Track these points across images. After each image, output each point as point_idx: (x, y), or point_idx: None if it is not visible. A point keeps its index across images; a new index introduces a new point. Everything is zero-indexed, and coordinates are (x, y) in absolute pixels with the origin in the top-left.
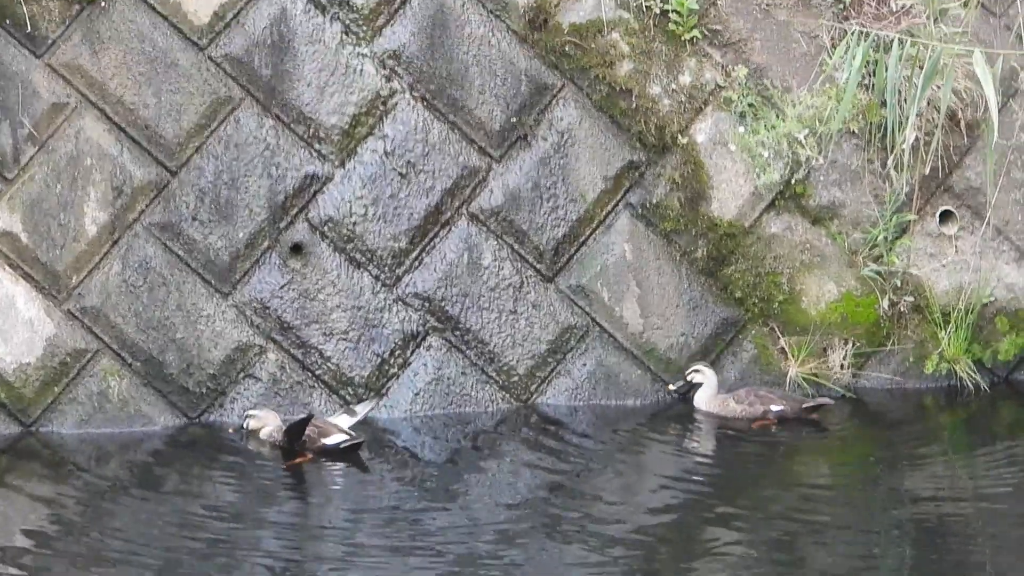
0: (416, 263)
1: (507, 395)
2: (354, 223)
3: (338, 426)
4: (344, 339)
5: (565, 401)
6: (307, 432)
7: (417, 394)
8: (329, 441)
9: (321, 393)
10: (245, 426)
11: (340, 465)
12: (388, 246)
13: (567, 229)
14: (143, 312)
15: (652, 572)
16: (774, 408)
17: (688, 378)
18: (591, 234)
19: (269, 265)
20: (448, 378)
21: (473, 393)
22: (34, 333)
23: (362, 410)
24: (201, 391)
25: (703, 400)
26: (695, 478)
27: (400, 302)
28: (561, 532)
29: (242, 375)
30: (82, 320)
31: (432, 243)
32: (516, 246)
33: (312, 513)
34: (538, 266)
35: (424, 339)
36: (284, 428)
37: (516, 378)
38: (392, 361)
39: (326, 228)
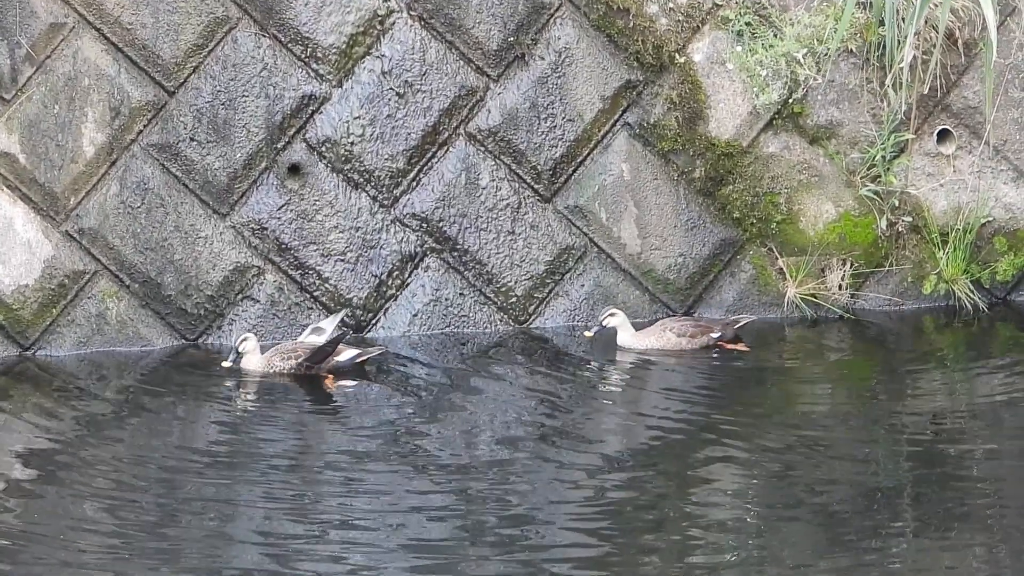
0: (414, 183)
1: (505, 316)
2: (352, 143)
3: (346, 343)
4: (342, 260)
5: (563, 322)
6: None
7: (415, 315)
8: (341, 359)
9: (319, 315)
10: (240, 350)
11: (336, 385)
12: (386, 166)
13: (565, 149)
14: (141, 233)
15: (647, 489)
16: (714, 335)
17: (603, 322)
18: (589, 154)
19: (267, 186)
20: (446, 299)
21: (471, 314)
22: (32, 255)
23: (329, 325)
24: (199, 313)
25: (630, 339)
26: (694, 397)
27: (398, 223)
28: (556, 448)
29: (240, 297)
30: (80, 242)
31: (430, 163)
32: (514, 166)
33: (310, 430)
34: (536, 186)
35: (422, 260)
36: (310, 353)
37: (514, 299)
38: (390, 282)
39: (324, 148)
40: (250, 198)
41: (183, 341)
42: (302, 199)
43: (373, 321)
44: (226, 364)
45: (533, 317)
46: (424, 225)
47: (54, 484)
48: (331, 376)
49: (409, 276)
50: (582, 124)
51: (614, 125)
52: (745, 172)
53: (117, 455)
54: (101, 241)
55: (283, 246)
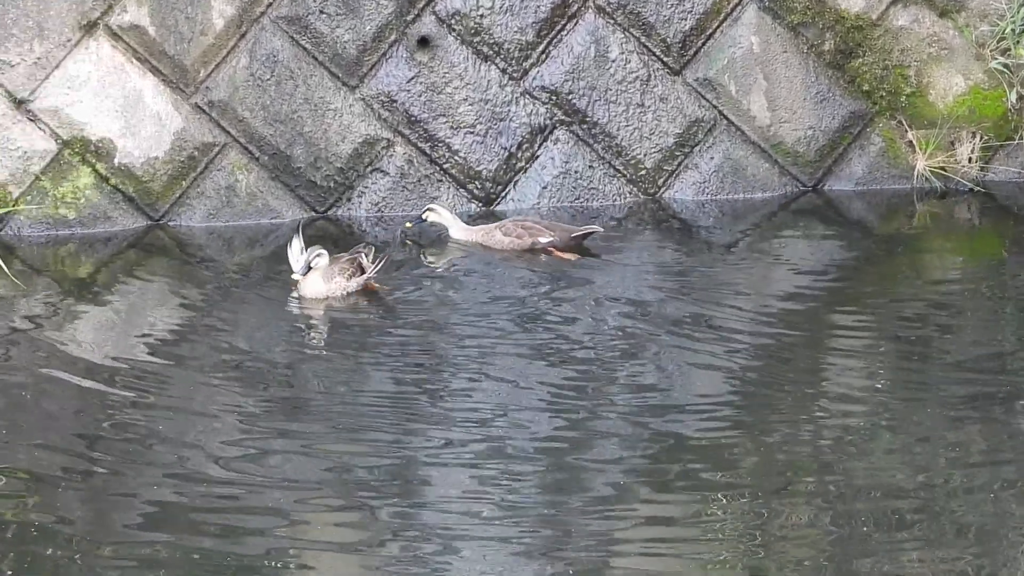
0: (543, 56)
1: (634, 189)
2: (481, 15)
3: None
4: (471, 133)
5: (692, 195)
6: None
7: (544, 187)
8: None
9: (449, 187)
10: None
11: (450, 264)
12: (515, 39)
13: (694, 22)
14: (270, 106)
15: (780, 358)
16: (542, 240)
17: (424, 216)
18: (718, 27)
19: (396, 58)
20: (575, 171)
21: (600, 187)
22: (162, 127)
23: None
24: (329, 185)
25: (460, 232)
26: (825, 270)
27: (527, 95)
28: (689, 324)
29: (370, 169)
30: (210, 114)
31: (559, 36)
32: (643, 39)
33: (447, 298)
34: (665, 59)
35: (551, 132)
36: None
37: (644, 172)
38: (519, 155)
39: (453, 21)
40: (379, 70)
41: (313, 213)
42: (431, 71)
43: (503, 193)
44: (296, 277)
45: (662, 189)
46: (553, 98)
47: (184, 349)
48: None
49: (539, 149)
50: None
51: None
52: (875, 45)
53: (245, 325)
54: (231, 113)
55: (412, 118)
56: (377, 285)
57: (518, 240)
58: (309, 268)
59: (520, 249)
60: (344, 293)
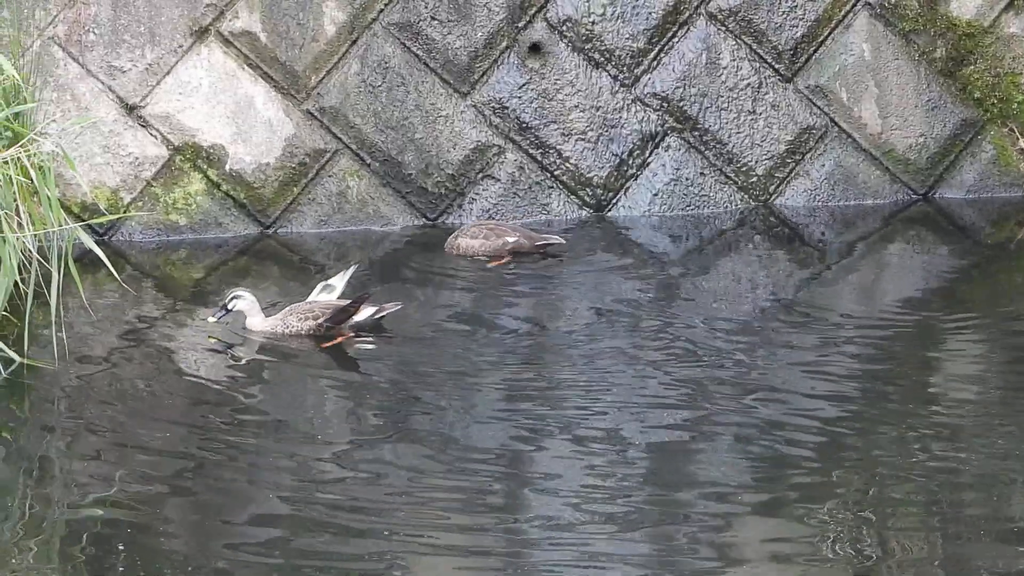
0: (654, 63)
1: (745, 196)
2: (592, 22)
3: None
4: (583, 139)
5: (803, 202)
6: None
7: (656, 195)
8: (359, 318)
9: (560, 194)
10: (231, 307)
11: (575, 259)
12: (626, 46)
13: (805, 29)
14: (382, 112)
15: (890, 365)
16: (509, 240)
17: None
18: (830, 34)
19: (507, 65)
20: (686, 179)
21: (711, 194)
22: (273, 133)
23: (339, 282)
24: (440, 192)
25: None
26: (935, 278)
27: (639, 102)
28: (804, 324)
29: (481, 175)
30: (321, 120)
31: (670, 43)
32: (754, 46)
33: (547, 306)
34: (776, 66)
35: (663, 139)
36: (327, 315)
37: (755, 179)
38: (631, 161)
39: (564, 27)
40: (491, 77)
41: (423, 220)
42: (543, 78)
43: (613, 200)
44: (212, 320)
45: (773, 196)
46: (665, 104)
47: (294, 355)
48: (349, 334)
49: (650, 156)
50: (823, 3)
51: (855, 5)
52: (986, 52)
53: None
54: (342, 120)
55: (524, 125)
56: (346, 335)
57: (486, 242)
58: (227, 311)
59: (491, 252)
60: (297, 333)
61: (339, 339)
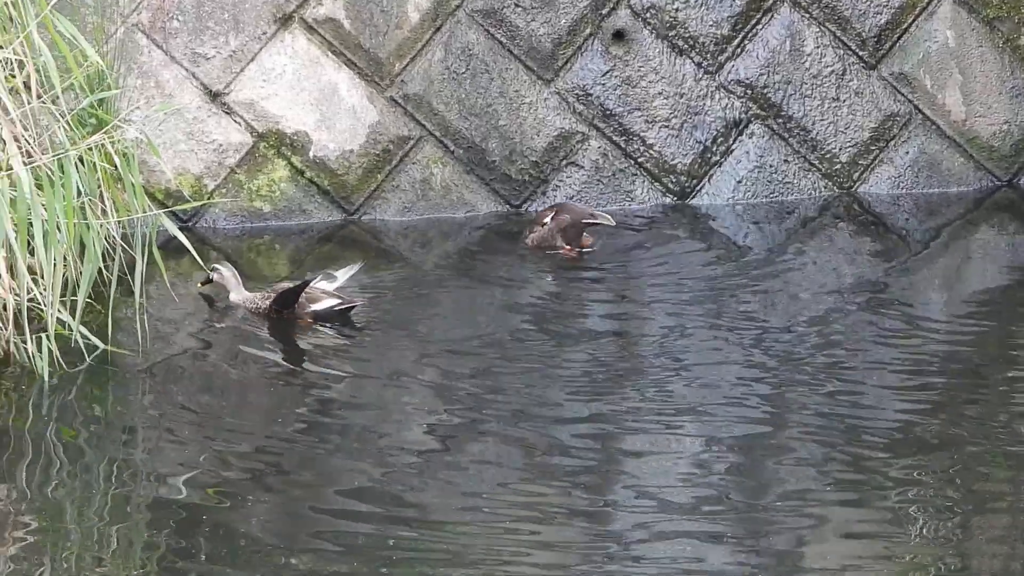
0: (738, 50)
1: (829, 183)
2: (676, 9)
3: (325, 291)
4: (666, 126)
5: (887, 189)
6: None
7: (739, 182)
8: (319, 307)
9: (643, 181)
10: (213, 278)
11: (658, 245)
12: (710, 32)
13: (889, 16)
14: (465, 99)
15: (972, 355)
16: (548, 222)
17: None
18: (914, 21)
19: (591, 52)
20: (770, 166)
21: (795, 181)
22: (357, 120)
23: (343, 276)
24: (524, 179)
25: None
26: (1020, 266)
27: (722, 89)
28: (884, 314)
29: (564, 163)
30: (405, 107)
31: (754, 30)
32: (838, 33)
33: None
34: (860, 53)
35: (747, 127)
36: (273, 297)
37: (839, 166)
38: (714, 149)
39: (648, 14)
40: (575, 64)
41: (508, 207)
42: (627, 65)
43: (697, 188)
44: (198, 285)
45: (857, 184)
46: (749, 91)
47: (374, 341)
48: (308, 322)
49: (733, 143)
50: None
51: None
52: None
53: (439, 319)
54: (426, 107)
55: (608, 112)
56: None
57: (534, 235)
58: (209, 280)
59: (547, 243)
60: (256, 311)
61: (303, 324)
